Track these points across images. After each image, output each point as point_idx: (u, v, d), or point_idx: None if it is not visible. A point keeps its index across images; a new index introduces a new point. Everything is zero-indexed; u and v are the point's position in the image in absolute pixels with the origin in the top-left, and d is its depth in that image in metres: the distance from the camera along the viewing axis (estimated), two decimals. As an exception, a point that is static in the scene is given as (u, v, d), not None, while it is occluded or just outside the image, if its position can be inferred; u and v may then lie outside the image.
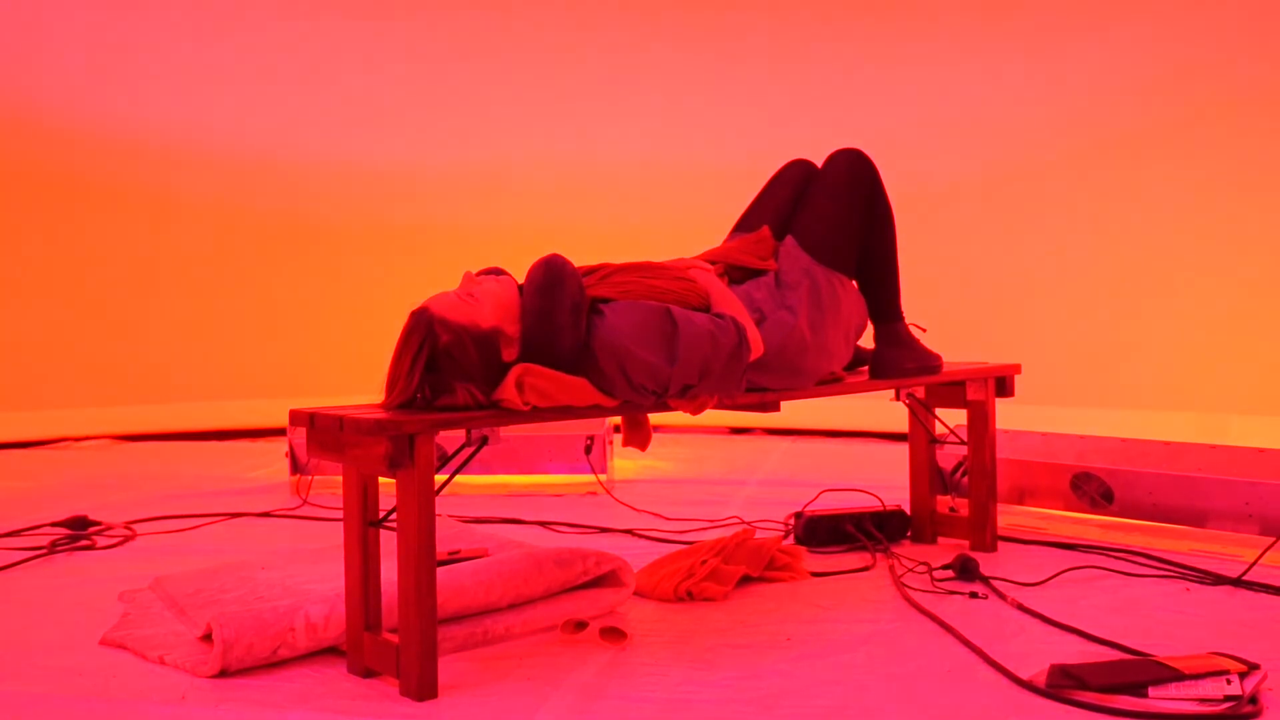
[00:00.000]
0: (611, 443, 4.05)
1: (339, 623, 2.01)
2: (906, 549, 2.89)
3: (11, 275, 5.77)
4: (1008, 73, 5.58)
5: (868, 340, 2.64)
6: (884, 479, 3.68)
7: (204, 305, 6.16)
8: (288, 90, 6.16)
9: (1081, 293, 5.39)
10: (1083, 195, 5.45)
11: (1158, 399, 5.08)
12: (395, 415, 1.84)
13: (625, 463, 4.54)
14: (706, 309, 2.19)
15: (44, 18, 5.68)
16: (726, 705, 1.77)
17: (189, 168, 6.10)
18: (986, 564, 2.66)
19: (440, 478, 1.94)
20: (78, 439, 5.72)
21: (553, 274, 1.98)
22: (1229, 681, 1.75)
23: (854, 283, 2.53)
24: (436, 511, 1.87)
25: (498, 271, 2.08)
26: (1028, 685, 1.81)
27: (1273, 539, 2.70)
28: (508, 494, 3.89)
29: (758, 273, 2.39)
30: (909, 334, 2.63)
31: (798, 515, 3.02)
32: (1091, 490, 3.10)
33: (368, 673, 1.94)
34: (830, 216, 2.47)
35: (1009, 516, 3.22)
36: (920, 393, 2.99)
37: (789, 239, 2.45)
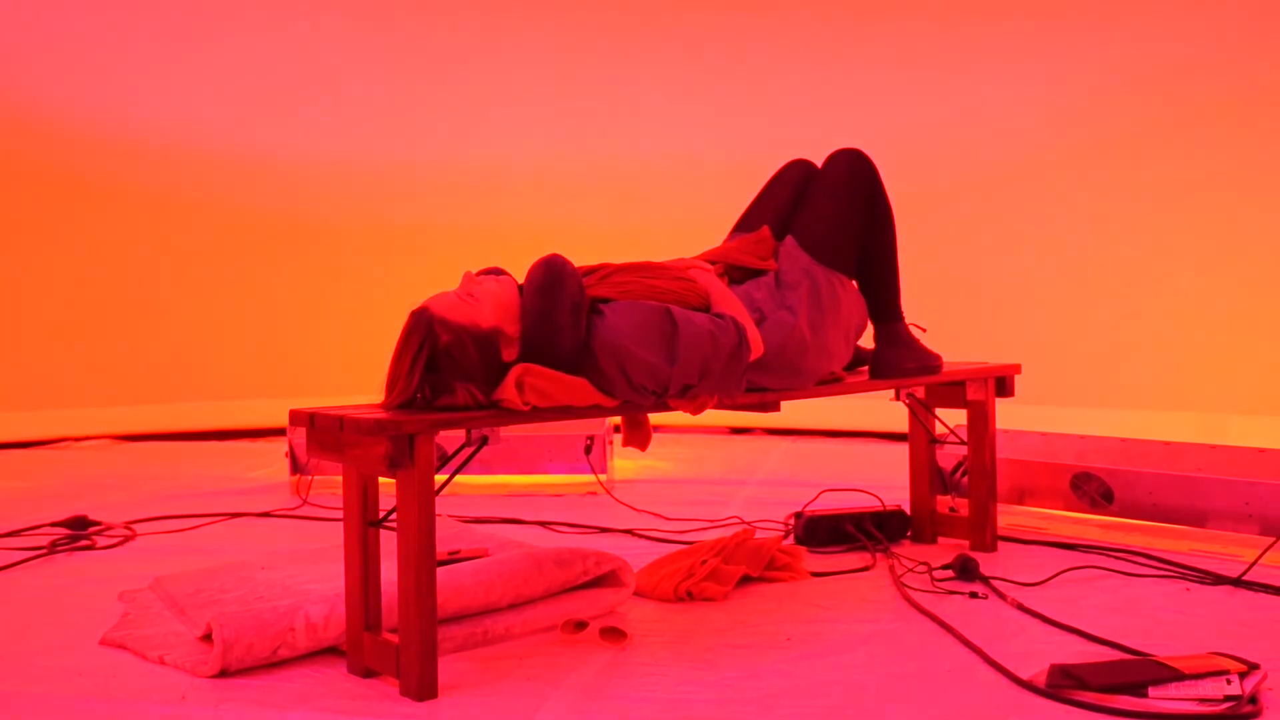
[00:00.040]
0: (611, 443, 4.05)
1: (339, 623, 2.01)
2: (906, 549, 2.89)
3: (11, 275, 5.77)
4: (1007, 73, 5.58)
5: (868, 340, 2.64)
6: (884, 479, 3.68)
7: (204, 305, 6.16)
8: (288, 90, 6.16)
9: (1081, 293, 5.39)
10: (1082, 195, 5.45)
11: (1158, 399, 5.08)
12: (395, 415, 1.84)
13: (625, 463, 4.54)
14: (706, 309, 2.19)
15: (44, 18, 5.68)
16: (726, 705, 1.77)
17: (189, 168, 6.10)
18: (986, 564, 2.66)
19: (440, 478, 1.94)
20: (78, 439, 5.72)
21: (553, 274, 1.98)
22: (1229, 681, 1.75)
23: (854, 283, 2.53)
24: (436, 511, 1.87)
25: (498, 271, 2.08)
26: (1028, 685, 1.81)
27: (1273, 539, 2.70)
28: (508, 494, 3.89)
29: (758, 273, 2.39)
30: (909, 334, 2.63)
31: (798, 515, 3.02)
32: (1091, 490, 3.10)
33: (368, 673, 1.94)
34: (830, 216, 2.47)
35: (1009, 516, 3.22)
36: (920, 393, 2.99)
37: (789, 239, 2.45)
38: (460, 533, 2.98)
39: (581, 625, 2.12)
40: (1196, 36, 5.11)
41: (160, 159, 6.05)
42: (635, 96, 6.18)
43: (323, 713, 1.77)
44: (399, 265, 6.18)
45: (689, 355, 2.04)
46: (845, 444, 5.30)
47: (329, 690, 1.87)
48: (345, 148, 6.26)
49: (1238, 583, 2.48)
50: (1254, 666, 1.81)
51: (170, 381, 6.01)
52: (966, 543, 2.92)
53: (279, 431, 5.43)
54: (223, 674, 1.92)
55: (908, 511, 3.04)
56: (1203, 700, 1.71)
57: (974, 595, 2.41)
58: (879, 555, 2.80)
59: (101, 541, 3.12)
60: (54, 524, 3.27)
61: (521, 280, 2.04)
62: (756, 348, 2.18)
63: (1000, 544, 2.92)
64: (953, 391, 2.92)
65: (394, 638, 1.88)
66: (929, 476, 3.02)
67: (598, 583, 2.31)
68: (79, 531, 3.21)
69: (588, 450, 3.92)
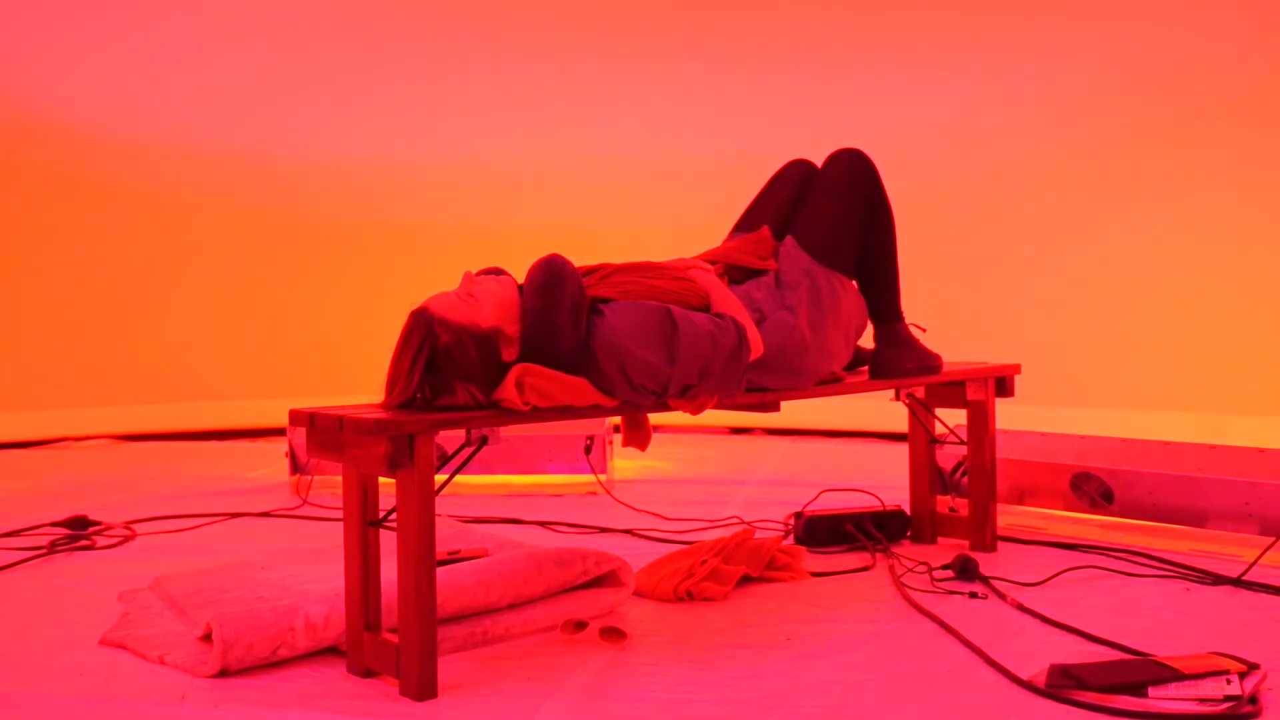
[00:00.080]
0: (611, 443, 4.05)
1: (339, 623, 2.01)
2: (906, 549, 2.89)
3: (11, 275, 5.77)
4: (1007, 73, 5.58)
5: (868, 340, 2.64)
6: (884, 479, 3.68)
7: (204, 305, 6.16)
8: (288, 90, 6.16)
9: (1081, 293, 5.39)
10: (1082, 195, 5.45)
11: (1158, 399, 5.08)
12: (395, 415, 1.84)
13: (625, 463, 4.54)
14: (706, 309, 2.19)
15: (44, 18, 5.68)
16: (726, 705, 1.77)
17: (189, 168, 6.10)
18: (986, 564, 2.66)
19: (440, 478, 1.94)
20: (78, 439, 5.72)
21: (553, 274, 1.98)
22: (1229, 681, 1.75)
23: (854, 283, 2.53)
24: (436, 511, 1.87)
25: (498, 271, 2.08)
26: (1028, 685, 1.81)
27: (1273, 539, 2.70)
28: (508, 494, 3.89)
29: (758, 273, 2.39)
30: (909, 334, 2.63)
31: (798, 515, 3.02)
32: (1091, 490, 3.10)
33: (368, 673, 1.94)
34: (830, 216, 2.47)
35: (1009, 516, 3.22)
36: (920, 393, 2.99)
37: (789, 239, 2.45)
38: (460, 533, 2.98)
39: (581, 625, 2.12)
40: (1196, 36, 5.11)
41: (160, 159, 6.05)
42: (635, 96, 6.18)
43: (322, 713, 1.77)
44: (399, 265, 6.18)
45: (689, 355, 2.04)
46: (845, 444, 5.29)
47: (329, 690, 1.87)
48: (345, 148, 6.26)
49: (1238, 583, 2.48)
50: (1254, 666, 1.81)
51: (170, 381, 6.01)
52: (966, 543, 2.92)
53: (279, 431, 5.43)
54: (223, 674, 1.92)
55: (908, 511, 3.04)
56: (1203, 700, 1.71)
57: (974, 595, 2.41)
58: (879, 555, 2.80)
59: (101, 541, 3.12)
60: (54, 524, 3.27)
61: (521, 280, 2.04)
62: (756, 348, 2.18)
63: (1000, 544, 2.92)
64: (953, 391, 2.92)
65: (394, 638, 1.88)
66: (929, 476, 3.02)
67: (597, 583, 2.31)
68: (79, 531, 3.21)
69: (588, 450, 3.92)
